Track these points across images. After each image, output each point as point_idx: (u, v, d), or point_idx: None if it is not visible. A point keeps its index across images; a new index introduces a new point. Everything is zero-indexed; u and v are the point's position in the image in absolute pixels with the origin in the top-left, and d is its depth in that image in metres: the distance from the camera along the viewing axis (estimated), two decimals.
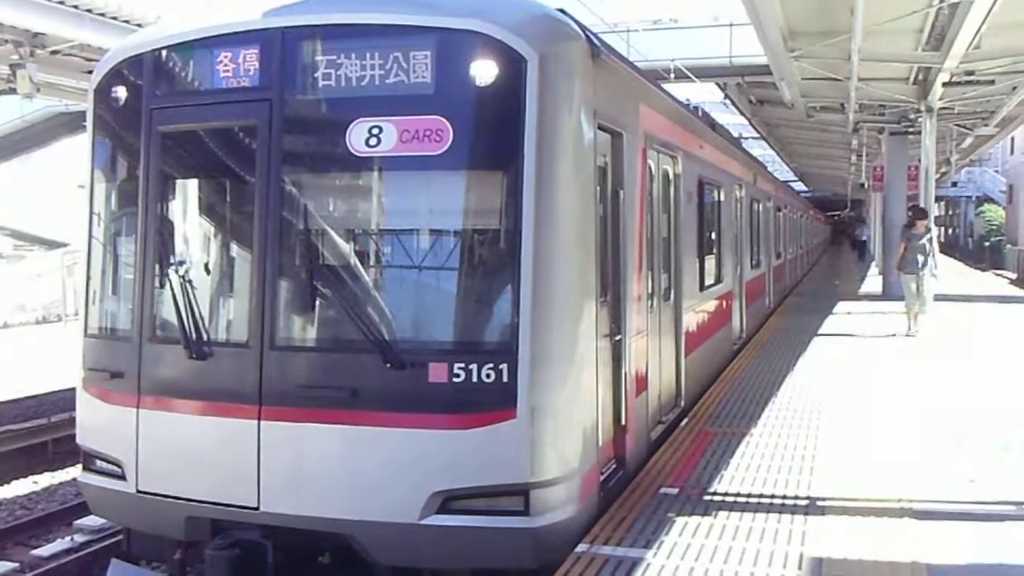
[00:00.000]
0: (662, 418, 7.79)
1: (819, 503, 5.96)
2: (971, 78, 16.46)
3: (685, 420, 8.34)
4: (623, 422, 6.29)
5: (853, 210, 62.46)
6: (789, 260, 23.58)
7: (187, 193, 5.94)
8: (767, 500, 6.05)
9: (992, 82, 16.64)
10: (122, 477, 5.69)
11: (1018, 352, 12.68)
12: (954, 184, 49.70)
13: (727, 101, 27.41)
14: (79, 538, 9.17)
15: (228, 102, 5.49)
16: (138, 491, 5.60)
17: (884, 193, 22.69)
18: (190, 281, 5.52)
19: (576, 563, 4.94)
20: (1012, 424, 8.13)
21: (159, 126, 5.68)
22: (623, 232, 6.35)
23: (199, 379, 5.45)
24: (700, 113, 11.29)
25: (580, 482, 5.32)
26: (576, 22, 5.72)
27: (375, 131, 5.15)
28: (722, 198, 11.64)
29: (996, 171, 53.68)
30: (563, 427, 5.20)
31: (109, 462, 5.80)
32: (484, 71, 5.06)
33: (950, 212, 60.16)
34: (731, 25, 23.94)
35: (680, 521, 5.59)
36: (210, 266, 5.82)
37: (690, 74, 23.51)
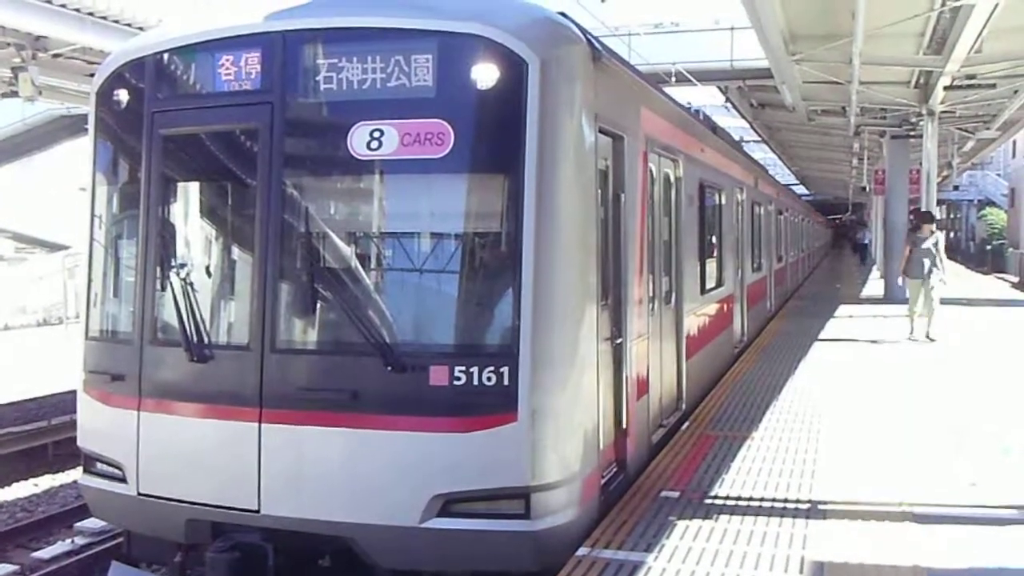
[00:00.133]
0: (663, 421, 7.78)
1: (820, 507, 5.95)
2: (972, 82, 16.49)
3: (686, 424, 8.32)
4: (624, 425, 6.28)
5: (854, 213, 62.34)
6: (790, 263, 23.56)
7: (188, 196, 5.94)
8: (768, 504, 6.04)
9: (993, 86, 16.67)
10: (123, 480, 5.69)
11: (1020, 354, 12.67)
12: (956, 187, 49.53)
13: (728, 104, 27.40)
14: (79, 540, 9.15)
15: (230, 105, 5.49)
16: (139, 494, 5.60)
17: (885, 196, 22.71)
18: (191, 284, 5.51)
19: (577, 567, 4.93)
20: (1012, 427, 8.12)
21: (161, 129, 5.68)
22: (624, 235, 6.34)
23: (200, 382, 5.45)
24: (701, 116, 11.31)
25: (581, 485, 5.32)
26: (577, 26, 5.72)
27: (376, 134, 5.14)
28: (723, 201, 11.63)
29: (998, 174, 53.64)
30: (564, 430, 5.20)
31: (110, 464, 5.80)
32: (485, 75, 5.06)
33: (952, 215, 60.04)
34: (732, 29, 23.97)
35: (681, 525, 5.59)
36: (211, 269, 5.82)
37: (691, 77, 23.50)
